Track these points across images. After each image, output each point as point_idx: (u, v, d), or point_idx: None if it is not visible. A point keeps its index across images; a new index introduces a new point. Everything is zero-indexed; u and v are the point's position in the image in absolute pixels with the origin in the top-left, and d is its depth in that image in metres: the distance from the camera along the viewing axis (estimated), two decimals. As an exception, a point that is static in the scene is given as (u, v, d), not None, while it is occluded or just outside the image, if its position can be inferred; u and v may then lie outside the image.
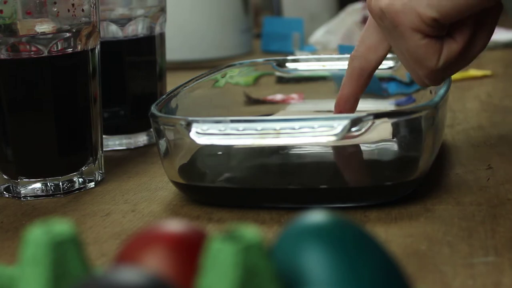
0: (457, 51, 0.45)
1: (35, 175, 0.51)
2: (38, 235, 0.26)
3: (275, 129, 0.43)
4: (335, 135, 0.42)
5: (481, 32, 0.46)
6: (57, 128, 0.51)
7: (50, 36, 0.50)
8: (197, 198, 0.48)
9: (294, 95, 0.65)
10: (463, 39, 0.45)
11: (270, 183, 0.47)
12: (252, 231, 0.25)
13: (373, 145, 0.48)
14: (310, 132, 0.42)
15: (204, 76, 0.59)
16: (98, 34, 0.53)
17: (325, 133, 0.42)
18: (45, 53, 0.50)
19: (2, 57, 0.49)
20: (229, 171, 0.49)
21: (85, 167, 0.53)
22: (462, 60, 0.46)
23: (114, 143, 0.64)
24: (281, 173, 0.48)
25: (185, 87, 0.55)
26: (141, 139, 0.65)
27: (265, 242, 0.25)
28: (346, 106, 0.50)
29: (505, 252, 0.38)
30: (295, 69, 0.64)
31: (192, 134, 0.44)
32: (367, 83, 0.50)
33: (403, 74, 0.62)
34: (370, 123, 0.42)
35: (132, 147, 0.64)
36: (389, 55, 0.62)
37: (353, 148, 0.47)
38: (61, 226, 0.27)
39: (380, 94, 0.63)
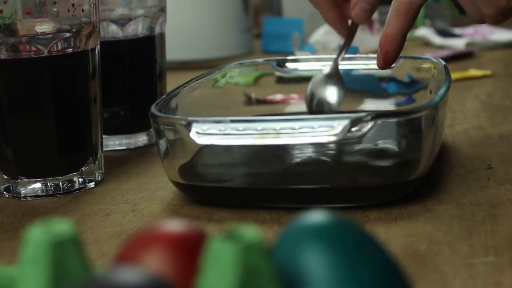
0: None
1: (35, 175, 0.51)
2: (38, 235, 0.26)
3: (275, 129, 0.43)
4: (335, 135, 0.42)
5: None
6: (57, 128, 0.51)
7: (50, 36, 0.50)
8: (197, 198, 0.48)
9: (294, 95, 0.65)
10: None
11: (270, 183, 0.47)
12: (252, 231, 0.25)
13: (373, 145, 0.48)
14: (310, 132, 0.42)
15: (204, 76, 0.59)
16: (98, 34, 0.53)
17: (325, 133, 0.42)
18: (45, 53, 0.50)
19: (2, 57, 0.49)
20: (229, 171, 0.49)
21: (85, 167, 0.53)
22: None
23: (114, 143, 0.64)
24: (281, 173, 0.48)
25: (185, 87, 0.55)
26: (141, 139, 0.65)
27: (265, 242, 0.25)
28: (393, 44, 0.48)
29: (505, 252, 0.38)
30: (295, 69, 0.64)
31: (192, 134, 0.44)
32: (415, 18, 0.47)
33: (403, 74, 0.62)
34: (370, 123, 0.42)
35: (132, 147, 0.64)
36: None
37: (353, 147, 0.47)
38: (61, 226, 0.27)
39: (380, 94, 0.63)
